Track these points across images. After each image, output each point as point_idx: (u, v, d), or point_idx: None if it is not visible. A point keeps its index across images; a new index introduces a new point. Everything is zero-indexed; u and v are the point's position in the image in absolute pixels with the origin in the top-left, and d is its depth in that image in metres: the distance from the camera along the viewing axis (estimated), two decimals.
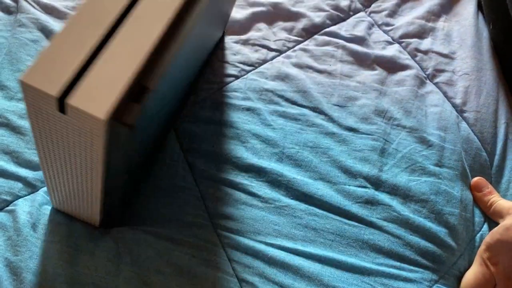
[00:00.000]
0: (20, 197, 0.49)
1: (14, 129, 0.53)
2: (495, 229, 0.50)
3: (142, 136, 0.37)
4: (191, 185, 0.51)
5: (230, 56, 0.63)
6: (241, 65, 0.62)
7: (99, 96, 0.27)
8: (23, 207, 0.47)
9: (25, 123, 0.54)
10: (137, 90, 0.29)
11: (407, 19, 0.67)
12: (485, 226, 0.53)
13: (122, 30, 0.31)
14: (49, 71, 0.28)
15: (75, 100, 0.27)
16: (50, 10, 0.66)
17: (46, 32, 0.63)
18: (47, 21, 0.64)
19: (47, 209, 0.48)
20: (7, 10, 0.66)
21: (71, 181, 0.38)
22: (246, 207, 0.50)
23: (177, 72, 0.38)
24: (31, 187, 0.49)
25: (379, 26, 0.68)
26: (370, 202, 0.50)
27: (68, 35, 0.30)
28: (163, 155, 0.54)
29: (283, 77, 0.61)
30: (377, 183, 0.52)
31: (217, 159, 0.53)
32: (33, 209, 0.47)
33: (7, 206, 0.48)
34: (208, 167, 0.53)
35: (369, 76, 0.60)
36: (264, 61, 0.63)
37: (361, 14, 0.69)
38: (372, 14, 0.69)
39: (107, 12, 0.31)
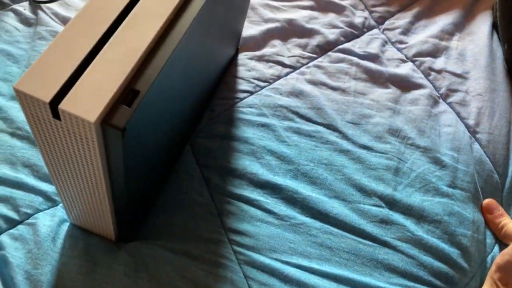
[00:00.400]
0: (41, 210, 0.49)
1: (34, 143, 0.54)
2: (505, 250, 0.51)
3: (148, 144, 0.38)
4: (207, 200, 0.52)
5: (244, 72, 0.64)
6: (255, 81, 0.63)
7: (90, 100, 0.28)
8: (43, 220, 0.48)
9: None
10: (128, 94, 0.30)
11: (421, 37, 0.68)
12: (496, 248, 0.54)
13: (115, 36, 0.32)
14: (42, 77, 0.29)
15: (66, 105, 0.28)
16: (67, 22, 0.67)
17: None
18: None
19: (66, 223, 0.49)
20: (27, 22, 0.67)
21: (80, 193, 0.39)
22: (262, 223, 0.50)
23: (177, 80, 0.38)
24: (51, 201, 0.50)
25: (392, 43, 0.68)
26: (384, 222, 0.51)
27: (62, 42, 0.31)
28: (179, 168, 0.54)
29: (297, 94, 0.61)
30: (391, 203, 0.52)
31: (233, 175, 0.54)
32: (53, 223, 0.48)
33: (28, 219, 0.49)
34: (224, 182, 0.53)
35: (383, 94, 0.61)
36: (279, 77, 0.64)
37: (375, 31, 0.70)
38: (385, 32, 0.70)
39: (101, 19, 0.32)
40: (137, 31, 0.32)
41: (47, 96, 0.28)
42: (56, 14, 0.68)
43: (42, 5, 0.69)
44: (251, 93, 0.62)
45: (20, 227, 0.48)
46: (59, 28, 0.66)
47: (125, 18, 0.33)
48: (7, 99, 0.58)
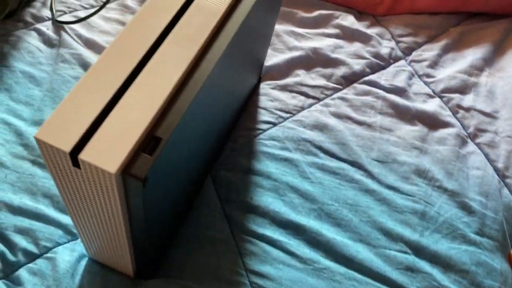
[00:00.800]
0: (60, 244, 0.49)
1: None
2: None
3: (169, 187, 0.37)
4: (229, 238, 0.51)
5: (267, 102, 0.63)
6: (278, 112, 0.62)
7: (111, 149, 0.28)
8: (63, 255, 0.47)
9: None
10: (149, 142, 0.29)
11: (449, 72, 0.66)
12: None
13: (137, 81, 0.31)
14: (63, 126, 0.28)
15: (87, 155, 0.28)
16: (91, 45, 0.66)
17: (88, 68, 0.63)
18: (88, 57, 0.64)
19: (85, 258, 0.48)
20: (50, 43, 0.66)
21: (99, 232, 0.38)
22: (285, 266, 0.49)
23: (200, 120, 0.38)
24: (71, 235, 0.49)
25: (419, 76, 0.67)
26: (410, 269, 0.49)
27: (83, 88, 0.30)
28: (200, 202, 0.53)
29: (321, 127, 0.60)
30: (417, 249, 0.51)
31: (255, 212, 0.53)
32: (72, 258, 0.47)
33: (47, 252, 0.48)
34: (246, 220, 0.52)
35: (409, 131, 0.60)
36: (302, 109, 0.63)
37: (402, 62, 0.69)
38: (412, 63, 0.68)
39: (123, 63, 0.32)
40: (159, 75, 0.32)
41: (68, 146, 0.28)
42: (79, 36, 0.67)
43: (65, 26, 0.68)
44: (274, 124, 0.61)
45: (39, 261, 0.47)
46: (82, 50, 0.65)
47: (148, 62, 0.32)
48: (29, 124, 0.57)
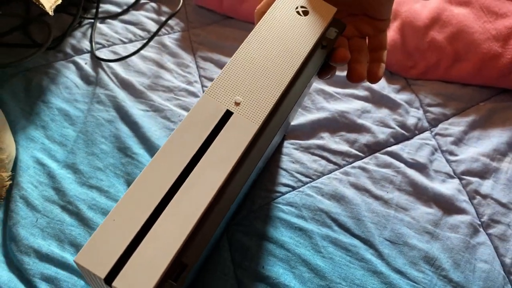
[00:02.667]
0: None
1: (83, 220, 0.56)
2: None
3: (191, 276, 0.40)
4: None
5: (288, 164, 0.65)
6: (298, 175, 0.64)
7: (141, 277, 0.31)
8: None
9: (93, 215, 0.57)
10: (176, 268, 0.32)
11: (472, 153, 0.67)
12: None
13: (168, 208, 0.33)
14: (99, 252, 0.31)
15: (119, 283, 0.31)
16: (126, 86, 0.68)
17: (121, 112, 0.66)
18: (123, 100, 0.66)
19: None
20: (87, 80, 0.69)
21: None
22: None
23: (225, 221, 0.40)
24: None
25: (442, 152, 0.68)
26: None
27: (119, 213, 0.33)
28: (215, 263, 0.56)
29: (339, 198, 0.62)
30: None
31: (265, 282, 0.55)
32: None
33: None
34: None
35: (424, 214, 0.61)
36: (322, 174, 0.65)
37: (427, 135, 0.69)
38: (437, 137, 0.69)
39: (155, 190, 0.34)
40: (190, 200, 0.34)
41: (103, 272, 0.31)
42: (116, 75, 0.69)
43: (103, 63, 0.70)
44: (293, 188, 0.63)
45: None
46: (117, 91, 0.67)
47: (181, 185, 0.34)
48: (61, 166, 0.60)
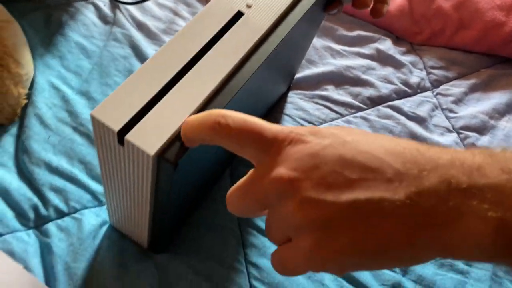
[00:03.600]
0: (87, 207, 0.54)
1: (93, 142, 0.59)
2: None
3: (195, 173, 0.42)
4: (235, 229, 0.56)
5: (292, 110, 0.67)
6: (301, 121, 0.66)
7: (153, 135, 0.33)
8: (88, 218, 0.53)
9: None
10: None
11: (471, 111, 0.69)
12: None
13: (182, 82, 0.36)
14: (115, 109, 0.33)
15: (132, 136, 0.33)
16: (142, 28, 0.71)
17: (136, 50, 0.68)
18: (138, 40, 0.69)
19: (107, 225, 0.53)
20: (104, 19, 0.71)
21: (126, 204, 0.44)
22: None
23: None
24: (98, 201, 0.55)
25: (442, 110, 0.70)
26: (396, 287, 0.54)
27: (138, 77, 0.35)
28: (216, 192, 0.58)
29: None
30: (405, 270, 0.55)
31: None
32: (96, 222, 0.53)
33: (75, 213, 0.54)
34: None
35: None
36: (324, 121, 0.67)
37: (428, 93, 0.72)
38: (438, 96, 0.71)
39: (171, 66, 0.36)
40: (201, 79, 0.36)
41: (118, 126, 0.33)
42: (133, 17, 0.72)
43: (121, 5, 0.73)
44: None
45: (67, 219, 0.53)
46: (134, 32, 0.70)
47: (194, 66, 0.37)
48: (75, 92, 0.63)
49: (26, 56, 0.58)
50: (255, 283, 0.53)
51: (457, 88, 0.72)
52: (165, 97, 0.35)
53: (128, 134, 0.33)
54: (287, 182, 0.25)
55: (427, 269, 0.55)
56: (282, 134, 0.27)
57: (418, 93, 0.72)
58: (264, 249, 0.55)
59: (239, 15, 0.41)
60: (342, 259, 0.24)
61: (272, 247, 0.55)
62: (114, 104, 0.34)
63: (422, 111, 0.69)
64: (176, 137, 0.34)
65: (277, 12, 0.42)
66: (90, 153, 0.58)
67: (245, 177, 0.28)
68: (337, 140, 0.26)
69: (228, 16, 0.40)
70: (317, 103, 0.68)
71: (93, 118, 0.33)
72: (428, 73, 0.74)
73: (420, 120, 0.68)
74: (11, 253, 0.50)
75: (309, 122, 0.66)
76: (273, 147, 0.27)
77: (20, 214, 0.53)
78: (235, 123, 0.28)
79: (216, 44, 0.39)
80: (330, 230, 0.24)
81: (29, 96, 0.61)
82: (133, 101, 0.34)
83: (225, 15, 0.40)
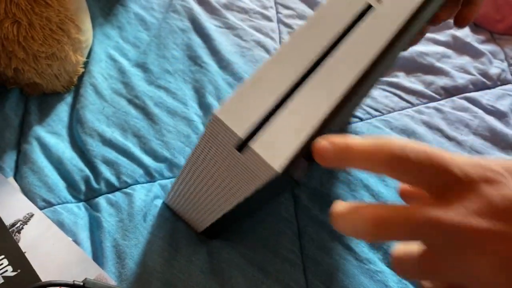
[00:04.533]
0: (139, 183, 0.52)
1: (148, 115, 0.56)
2: None
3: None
4: (292, 219, 0.52)
5: None
6: (367, 108, 0.61)
7: (279, 146, 0.28)
8: (139, 193, 0.51)
9: (159, 112, 0.57)
10: (310, 147, 0.29)
11: None
12: None
13: (313, 79, 0.31)
14: (240, 111, 0.29)
15: (257, 145, 0.28)
16: (203, 2, 0.68)
17: (196, 24, 0.65)
18: (198, 14, 0.66)
19: (159, 202, 0.51)
20: None
21: (201, 196, 0.40)
22: (340, 259, 0.50)
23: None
24: (150, 177, 0.52)
25: None
26: None
27: (263, 76, 0.30)
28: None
29: (409, 133, 0.59)
30: None
31: (322, 201, 0.53)
32: (148, 198, 0.50)
33: (126, 187, 0.51)
34: (312, 205, 0.53)
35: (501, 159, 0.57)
36: (393, 110, 0.61)
37: (509, 87, 0.65)
38: None
39: (300, 59, 0.32)
40: (331, 80, 0.31)
41: (242, 131, 0.29)
42: None
43: None
44: (361, 119, 0.60)
45: (118, 194, 0.51)
46: (194, 5, 0.67)
47: (321, 65, 0.32)
48: (132, 64, 0.61)
49: (87, 23, 0.56)
50: (311, 278, 0.49)
51: None
52: (292, 101, 0.30)
53: (254, 143, 0.29)
54: (491, 235, 0.22)
55: None
56: (475, 174, 0.24)
57: (498, 85, 0.65)
58: (322, 243, 0.51)
59: (368, 8, 0.36)
60: None
61: (332, 242, 0.50)
62: (239, 106, 0.29)
63: (503, 105, 0.62)
64: (301, 152, 0.29)
65: (407, 11, 0.37)
66: (144, 127, 0.55)
67: (403, 206, 0.24)
68: None
69: (356, 9, 0.36)
70: (385, 90, 0.63)
71: (216, 118, 0.29)
72: (510, 65, 0.67)
73: (499, 115, 0.61)
74: (61, 225, 0.48)
75: (376, 110, 0.61)
76: (463, 185, 0.24)
77: (71, 185, 0.51)
78: (417, 158, 0.24)
79: (346, 39, 0.34)
80: None
81: (85, 65, 0.59)
82: (257, 103, 0.30)
83: (353, 7, 0.36)
